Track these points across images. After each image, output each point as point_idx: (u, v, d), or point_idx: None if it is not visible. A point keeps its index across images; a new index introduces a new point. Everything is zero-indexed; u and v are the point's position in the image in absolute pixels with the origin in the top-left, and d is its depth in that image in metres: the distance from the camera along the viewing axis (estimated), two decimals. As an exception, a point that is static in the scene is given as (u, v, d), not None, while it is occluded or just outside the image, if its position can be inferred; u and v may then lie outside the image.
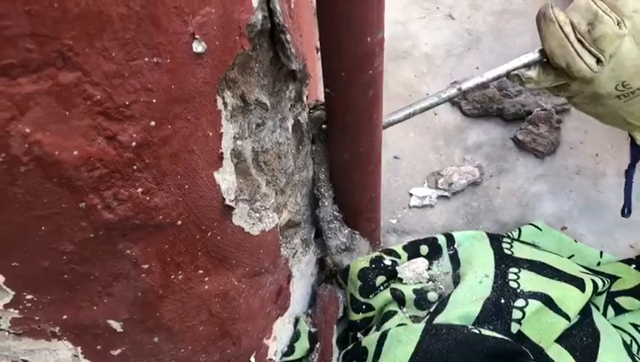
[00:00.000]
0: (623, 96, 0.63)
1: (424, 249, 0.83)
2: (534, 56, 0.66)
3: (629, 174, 0.78)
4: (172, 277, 0.50)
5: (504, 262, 0.78)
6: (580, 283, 0.74)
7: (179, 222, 0.47)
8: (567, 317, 0.71)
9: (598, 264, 0.88)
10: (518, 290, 0.73)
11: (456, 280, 0.78)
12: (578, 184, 1.01)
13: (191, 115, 0.42)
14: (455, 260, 0.81)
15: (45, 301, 0.44)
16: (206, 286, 0.55)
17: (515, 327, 0.69)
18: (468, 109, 1.12)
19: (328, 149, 0.70)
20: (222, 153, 0.48)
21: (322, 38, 0.56)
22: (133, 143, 0.39)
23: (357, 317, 0.79)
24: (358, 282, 0.78)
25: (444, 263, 0.82)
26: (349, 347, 0.78)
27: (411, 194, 1.02)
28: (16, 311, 0.44)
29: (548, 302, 0.71)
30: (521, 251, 0.82)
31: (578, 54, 0.60)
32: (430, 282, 0.79)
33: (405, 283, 0.78)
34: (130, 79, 0.36)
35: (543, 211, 0.98)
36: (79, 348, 0.50)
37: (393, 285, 0.78)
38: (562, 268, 0.77)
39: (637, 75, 0.61)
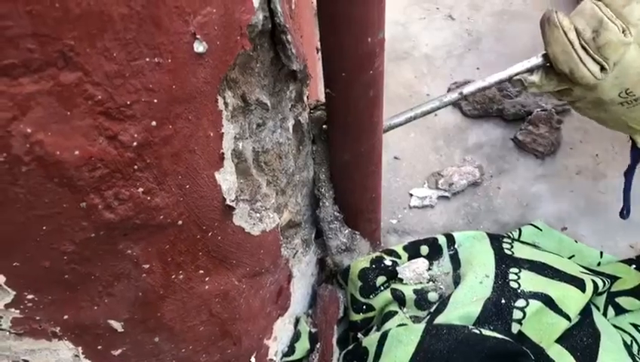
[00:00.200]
0: (626, 103, 0.63)
1: (424, 249, 0.83)
2: (537, 60, 0.65)
3: (628, 176, 0.78)
4: (173, 277, 0.50)
5: (504, 262, 0.78)
6: (580, 284, 0.75)
7: (180, 222, 0.47)
8: (568, 318, 0.71)
9: (599, 264, 0.88)
10: (519, 290, 0.73)
11: (457, 281, 0.78)
12: (578, 184, 1.01)
13: (192, 115, 0.42)
14: (455, 260, 0.81)
15: (46, 301, 0.44)
16: (207, 286, 0.55)
17: (515, 327, 0.69)
18: (468, 110, 1.12)
19: (329, 150, 0.70)
20: (223, 153, 0.48)
21: (323, 38, 0.56)
22: (135, 143, 0.39)
23: (357, 317, 0.79)
24: (358, 282, 0.78)
25: (444, 263, 0.82)
26: (350, 347, 0.78)
27: (411, 195, 1.02)
28: (17, 311, 0.44)
29: (548, 302, 0.71)
30: (521, 251, 0.82)
31: (582, 61, 0.60)
32: (430, 282, 0.79)
33: (406, 284, 0.78)
34: (132, 79, 0.36)
35: (543, 211, 0.98)
36: (80, 348, 0.50)
37: (394, 285, 0.78)
38: (563, 269, 0.77)
39: None
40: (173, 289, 0.51)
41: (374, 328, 0.78)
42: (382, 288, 0.78)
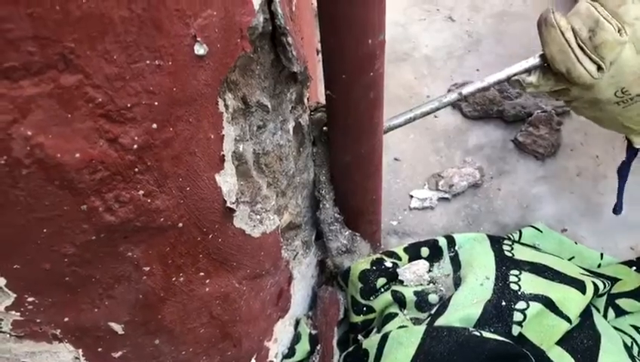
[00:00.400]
0: (622, 102, 0.63)
1: (425, 251, 0.83)
2: (535, 61, 0.66)
3: (622, 173, 0.78)
4: (173, 279, 0.50)
5: (505, 264, 0.78)
6: (580, 286, 0.74)
7: (180, 225, 0.47)
8: (568, 320, 0.71)
9: (599, 266, 0.88)
10: (519, 292, 0.73)
11: (457, 283, 0.78)
12: (578, 186, 1.01)
13: (192, 118, 0.42)
14: (456, 262, 0.81)
15: (46, 303, 0.44)
16: (207, 289, 0.55)
17: (516, 330, 0.69)
18: (468, 111, 1.12)
19: (329, 151, 0.70)
20: (223, 155, 0.48)
21: (323, 40, 0.56)
22: (135, 146, 0.39)
23: (358, 319, 0.79)
24: (358, 284, 0.78)
25: (444, 265, 0.82)
26: (350, 349, 0.78)
27: (412, 196, 1.02)
28: (18, 314, 0.44)
29: (549, 304, 0.71)
30: (521, 253, 0.82)
31: (579, 60, 0.60)
32: (431, 284, 0.78)
33: (406, 285, 0.78)
34: (132, 82, 0.36)
35: (543, 213, 0.98)
36: (80, 351, 0.50)
37: (394, 287, 0.78)
38: (563, 270, 0.77)
39: (636, 82, 0.61)
40: (173, 292, 0.51)
41: (375, 330, 0.78)
42: (382, 290, 0.78)
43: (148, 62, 0.37)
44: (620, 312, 0.81)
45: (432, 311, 0.75)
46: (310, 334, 0.79)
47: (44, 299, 0.44)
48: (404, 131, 1.10)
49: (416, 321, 0.76)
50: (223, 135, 0.47)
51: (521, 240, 0.89)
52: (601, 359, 0.71)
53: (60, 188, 0.37)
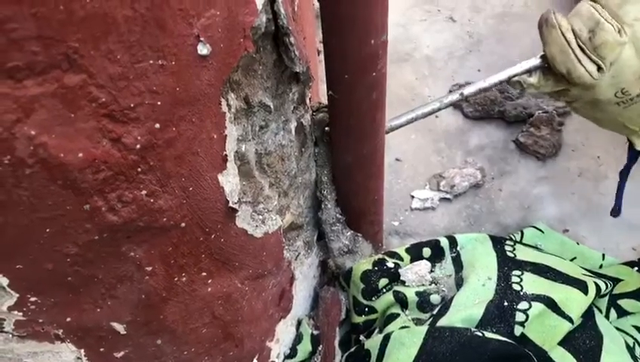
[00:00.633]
0: (622, 102, 0.63)
1: (427, 251, 0.83)
2: (536, 61, 0.66)
3: (623, 175, 0.79)
4: (175, 279, 0.50)
5: (507, 264, 0.78)
6: (582, 286, 0.74)
7: (182, 225, 0.47)
8: (571, 320, 0.71)
9: (601, 266, 0.88)
10: (521, 293, 0.73)
11: (459, 283, 0.78)
12: (580, 186, 1.01)
13: (195, 118, 0.42)
14: (458, 263, 0.81)
15: (49, 303, 0.44)
16: (209, 289, 0.55)
17: (518, 330, 0.69)
18: (469, 111, 1.12)
19: (331, 152, 0.70)
20: (226, 155, 0.48)
21: (326, 40, 0.56)
22: (138, 146, 0.39)
23: (359, 319, 0.79)
24: (360, 284, 0.78)
25: (446, 266, 0.82)
26: (352, 349, 0.78)
27: (413, 197, 1.02)
28: (20, 314, 0.44)
29: (551, 304, 0.71)
30: (523, 254, 0.81)
31: (579, 61, 0.61)
32: (433, 284, 0.78)
33: (408, 286, 0.78)
34: (135, 81, 0.36)
35: (544, 213, 0.98)
36: (82, 351, 0.50)
37: (396, 288, 0.78)
38: (565, 271, 0.77)
39: (636, 82, 0.61)
40: (175, 292, 0.51)
41: (376, 330, 0.78)
42: (384, 290, 0.78)
43: (151, 61, 0.36)
44: (622, 313, 0.81)
45: (434, 312, 0.75)
46: (312, 334, 0.79)
47: (46, 299, 0.44)
48: (406, 132, 1.10)
49: (418, 322, 0.75)
50: (226, 135, 0.47)
51: (523, 241, 0.89)
52: (604, 359, 0.71)
53: (62, 188, 0.37)
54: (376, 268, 0.78)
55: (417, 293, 0.77)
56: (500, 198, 1.01)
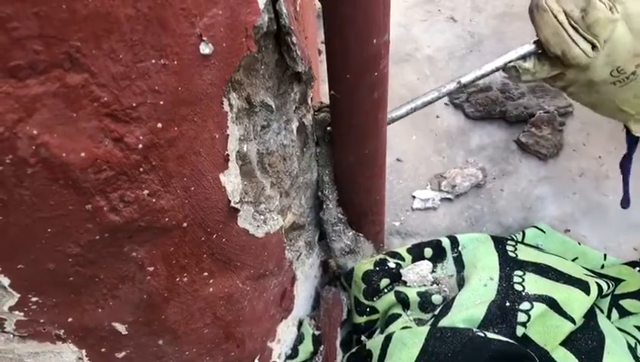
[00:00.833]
0: (618, 82, 0.64)
1: (428, 251, 0.83)
2: (530, 47, 0.67)
3: (624, 164, 0.79)
4: (177, 279, 0.50)
5: (508, 264, 0.78)
6: (584, 286, 0.74)
7: (184, 225, 0.47)
8: (573, 320, 0.71)
9: (602, 267, 0.88)
10: (523, 293, 0.72)
11: (461, 283, 0.78)
12: (581, 186, 1.01)
13: (197, 117, 0.42)
14: (459, 263, 0.81)
15: (50, 303, 0.44)
16: (211, 289, 0.55)
17: (520, 330, 0.69)
18: (471, 112, 1.12)
19: (333, 151, 0.70)
20: (228, 155, 0.48)
21: (328, 40, 0.56)
22: (140, 145, 0.39)
23: (361, 319, 0.79)
24: (362, 285, 0.78)
25: (448, 266, 0.81)
26: (353, 350, 0.78)
27: (414, 197, 1.01)
28: (21, 314, 0.43)
29: (553, 305, 0.71)
30: (525, 254, 0.81)
31: (573, 41, 0.61)
32: (434, 285, 0.78)
33: (409, 286, 0.78)
34: (138, 81, 0.36)
35: (546, 213, 0.97)
36: (84, 351, 0.50)
37: (397, 288, 0.78)
38: (567, 271, 0.77)
39: (630, 59, 0.62)
40: (177, 292, 0.51)
41: (378, 331, 0.78)
42: (386, 290, 0.78)
43: (153, 61, 0.36)
44: (624, 313, 0.81)
45: (436, 312, 0.74)
46: (313, 335, 0.79)
47: (47, 299, 0.44)
48: (407, 132, 1.10)
49: (420, 322, 0.75)
50: (228, 135, 0.47)
51: (525, 241, 0.89)
52: (605, 360, 0.71)
53: (64, 188, 0.37)
54: (377, 269, 0.78)
55: (419, 293, 0.77)
56: (501, 198, 1.01)
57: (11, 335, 0.45)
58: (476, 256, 0.81)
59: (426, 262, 0.80)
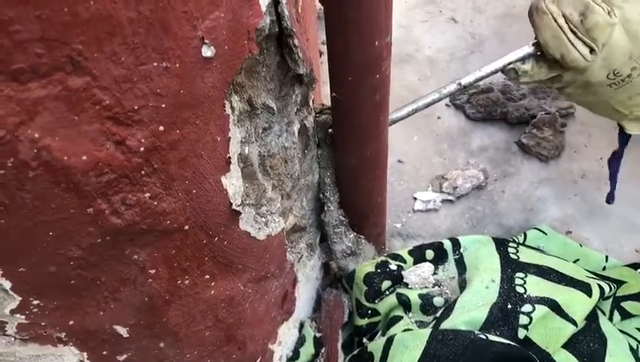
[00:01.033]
0: (614, 84, 0.65)
1: (430, 253, 0.83)
2: (529, 49, 0.67)
3: (612, 161, 0.80)
4: (179, 282, 0.50)
5: (510, 266, 0.78)
6: (586, 288, 0.74)
7: (186, 227, 0.47)
8: (574, 323, 0.70)
9: (604, 268, 0.87)
10: (525, 295, 0.72)
11: (462, 285, 0.78)
12: (583, 188, 1.00)
13: (199, 120, 0.42)
14: (461, 265, 0.81)
15: (52, 306, 0.44)
16: (212, 291, 0.55)
17: (522, 333, 0.69)
18: (472, 113, 1.11)
19: (334, 153, 0.70)
20: (229, 158, 0.48)
21: (330, 42, 0.56)
22: (142, 148, 0.39)
23: (362, 322, 0.79)
24: (363, 287, 0.77)
25: (449, 268, 0.81)
26: (355, 352, 0.78)
27: (415, 198, 1.01)
28: (23, 317, 0.43)
29: (555, 307, 0.70)
30: (527, 256, 0.81)
31: (572, 44, 0.62)
32: (436, 287, 0.78)
33: (411, 288, 0.78)
34: (139, 84, 0.36)
35: (547, 215, 0.97)
36: (85, 354, 0.49)
37: (399, 290, 0.78)
38: (568, 273, 0.77)
39: (627, 62, 0.62)
40: (178, 295, 0.51)
41: (379, 333, 0.77)
42: (387, 292, 0.78)
43: (155, 64, 0.36)
44: (626, 315, 0.81)
45: (437, 314, 0.74)
46: (315, 337, 0.79)
47: (49, 302, 0.44)
48: (408, 133, 1.10)
49: (421, 324, 0.75)
50: (229, 137, 0.47)
51: (526, 243, 0.89)
52: (607, 362, 0.71)
53: (66, 191, 0.37)
54: (379, 271, 0.78)
55: (420, 296, 0.76)
56: (502, 200, 1.00)
57: (13, 339, 0.45)
58: (478, 258, 0.80)
59: (427, 264, 0.80)
